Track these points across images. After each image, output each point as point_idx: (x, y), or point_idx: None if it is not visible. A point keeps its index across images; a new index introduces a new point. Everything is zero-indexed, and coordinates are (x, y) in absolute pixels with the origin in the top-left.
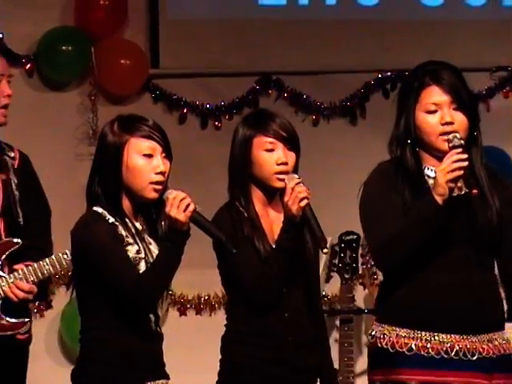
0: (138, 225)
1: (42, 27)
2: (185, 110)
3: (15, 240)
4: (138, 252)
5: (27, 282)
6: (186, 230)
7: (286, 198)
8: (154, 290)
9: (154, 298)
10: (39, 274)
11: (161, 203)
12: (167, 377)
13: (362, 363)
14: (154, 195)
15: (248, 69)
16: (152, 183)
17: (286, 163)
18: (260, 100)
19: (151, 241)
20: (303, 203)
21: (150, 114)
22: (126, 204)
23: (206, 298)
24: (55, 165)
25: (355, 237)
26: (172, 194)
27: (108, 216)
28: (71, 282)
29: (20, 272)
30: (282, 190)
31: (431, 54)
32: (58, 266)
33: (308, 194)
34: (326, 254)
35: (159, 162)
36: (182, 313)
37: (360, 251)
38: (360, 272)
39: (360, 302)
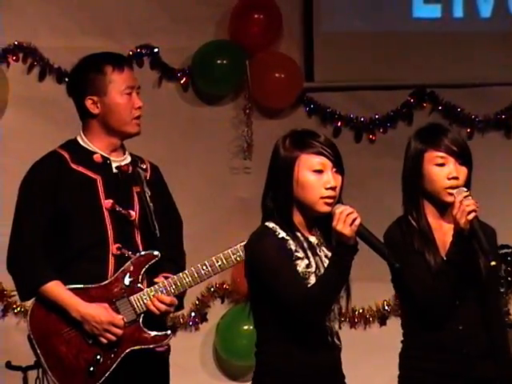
0: (313, 239)
1: (196, 41)
2: (339, 124)
3: (155, 253)
4: (308, 266)
5: (168, 294)
6: (353, 245)
7: (454, 212)
8: (320, 303)
9: (321, 312)
10: (179, 287)
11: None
12: None
13: None
14: (326, 209)
15: (402, 82)
16: (323, 198)
17: (456, 178)
18: (414, 113)
19: (328, 253)
20: (471, 216)
21: (304, 127)
22: (299, 218)
23: (361, 311)
24: (210, 178)
25: (510, 250)
26: (339, 209)
27: (278, 231)
28: (227, 295)
29: (160, 285)
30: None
31: None
32: (197, 278)
33: (476, 206)
34: (493, 266)
35: (329, 178)
36: None
37: None
38: None
39: None
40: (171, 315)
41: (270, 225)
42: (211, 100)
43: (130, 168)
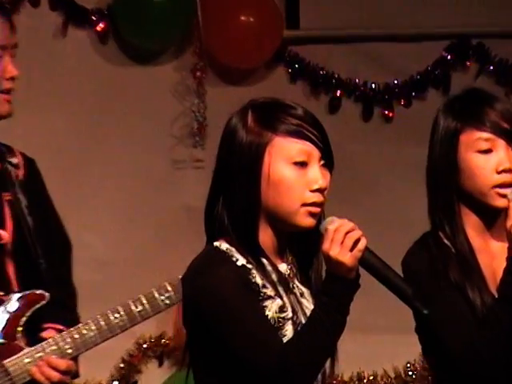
0: (283, 267)
1: None
2: (338, 93)
3: (38, 292)
4: (283, 309)
5: (63, 356)
6: (353, 278)
7: (508, 223)
8: (304, 368)
9: (304, 380)
10: (80, 345)
11: (317, 235)
12: None
13: None
14: (309, 222)
15: (434, 29)
16: (306, 205)
17: (510, 170)
18: (452, 76)
19: (304, 290)
20: None
21: (285, 97)
22: (267, 236)
23: (371, 378)
24: (142, 177)
25: None
26: (333, 225)
27: (236, 255)
28: (167, 354)
29: (51, 342)
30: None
31: None
32: (107, 332)
33: None
34: None
35: (317, 174)
36: None
37: None
38: None
39: None
40: None
41: (223, 246)
42: (143, 57)
43: None
